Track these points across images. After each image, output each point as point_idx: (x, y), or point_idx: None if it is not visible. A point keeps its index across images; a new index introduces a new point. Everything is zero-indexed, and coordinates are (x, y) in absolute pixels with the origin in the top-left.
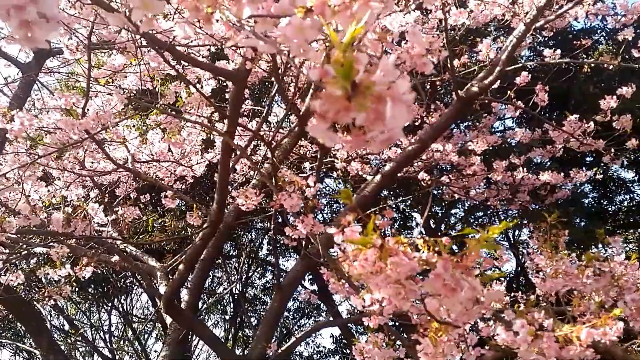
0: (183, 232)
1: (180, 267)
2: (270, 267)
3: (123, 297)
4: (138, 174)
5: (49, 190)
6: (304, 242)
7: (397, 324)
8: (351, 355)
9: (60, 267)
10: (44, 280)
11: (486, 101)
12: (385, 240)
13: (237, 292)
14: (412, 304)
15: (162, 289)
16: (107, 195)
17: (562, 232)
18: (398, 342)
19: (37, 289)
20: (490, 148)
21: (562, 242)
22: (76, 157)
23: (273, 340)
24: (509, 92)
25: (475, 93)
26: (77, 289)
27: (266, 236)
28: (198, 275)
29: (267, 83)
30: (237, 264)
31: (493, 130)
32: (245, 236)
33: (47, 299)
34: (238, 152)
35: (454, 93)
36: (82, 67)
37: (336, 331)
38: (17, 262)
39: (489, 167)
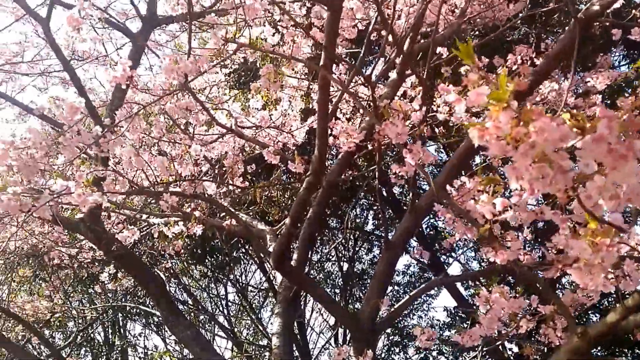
0: (289, 201)
1: (287, 221)
2: (377, 243)
3: (238, 272)
4: (242, 135)
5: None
6: (411, 195)
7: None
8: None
9: (174, 225)
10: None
11: (607, 23)
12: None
13: (345, 268)
14: (563, 193)
15: (271, 250)
16: (216, 168)
17: None
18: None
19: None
20: (614, 86)
21: None
22: (185, 132)
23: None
24: (634, 11)
25: (596, 12)
26: (194, 263)
27: (371, 211)
28: (306, 233)
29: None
30: (343, 240)
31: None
32: (350, 212)
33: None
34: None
35: (571, 13)
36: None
37: (451, 302)
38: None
39: (613, 107)
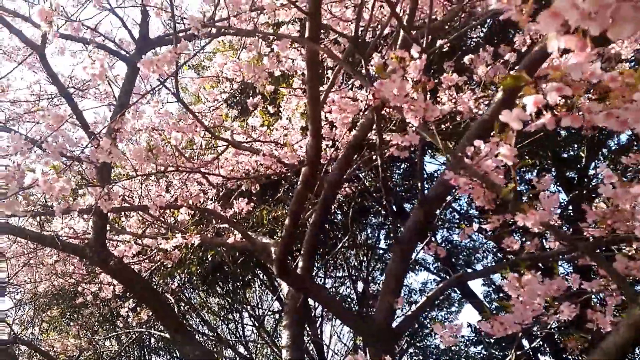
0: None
1: (286, 221)
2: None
3: (252, 297)
4: (239, 146)
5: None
6: (418, 185)
7: None
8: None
9: (172, 237)
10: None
11: None
12: None
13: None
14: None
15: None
16: (221, 190)
17: None
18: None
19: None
20: None
21: None
22: (189, 158)
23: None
24: None
25: None
26: (207, 289)
27: (382, 230)
28: (309, 239)
29: None
30: (355, 263)
31: None
32: (361, 234)
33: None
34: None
35: None
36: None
37: (475, 318)
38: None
39: None
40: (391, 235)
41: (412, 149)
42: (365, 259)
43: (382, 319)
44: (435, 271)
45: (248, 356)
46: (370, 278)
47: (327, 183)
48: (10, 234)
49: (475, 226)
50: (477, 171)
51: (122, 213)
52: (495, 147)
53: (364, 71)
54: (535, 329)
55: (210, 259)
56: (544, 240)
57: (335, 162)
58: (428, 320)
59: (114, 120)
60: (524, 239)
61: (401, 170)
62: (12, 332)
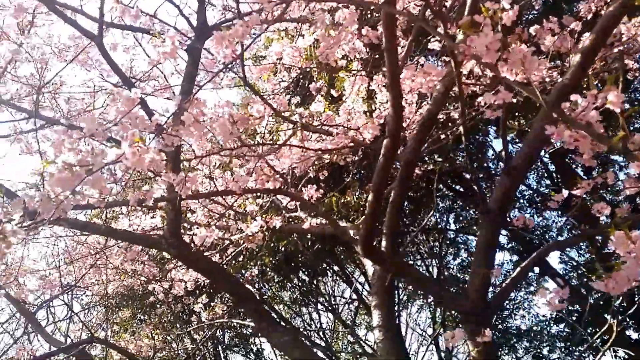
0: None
1: (369, 198)
2: (463, 246)
3: (326, 287)
4: (309, 128)
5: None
6: (503, 148)
7: None
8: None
9: (252, 221)
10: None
11: None
12: None
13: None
14: None
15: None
16: (288, 178)
17: None
18: None
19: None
20: None
21: None
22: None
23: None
24: None
25: None
26: (281, 280)
27: (452, 214)
28: (390, 219)
29: None
30: (427, 248)
31: None
32: (430, 218)
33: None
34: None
35: None
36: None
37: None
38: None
39: None
40: (460, 218)
41: (480, 124)
42: (437, 243)
43: (476, 294)
44: (510, 251)
45: (325, 345)
46: (443, 263)
47: (403, 162)
48: (83, 230)
49: (564, 192)
50: (580, 123)
51: (188, 209)
52: (593, 99)
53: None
54: None
55: (283, 250)
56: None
57: (409, 140)
58: (506, 303)
59: (184, 100)
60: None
61: (464, 153)
62: (89, 333)
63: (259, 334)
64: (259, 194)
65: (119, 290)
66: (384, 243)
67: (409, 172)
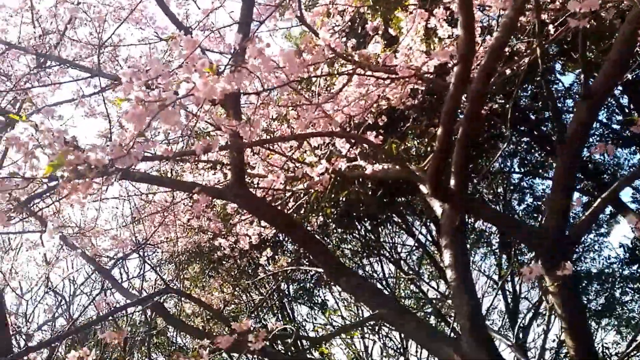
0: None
1: (439, 132)
2: (528, 191)
3: (387, 237)
4: (368, 66)
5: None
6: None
7: None
8: None
9: (317, 164)
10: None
11: None
12: None
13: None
14: None
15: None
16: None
17: None
18: None
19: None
20: None
21: None
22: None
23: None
24: None
25: None
26: (344, 232)
27: (515, 158)
28: (458, 157)
29: None
30: (491, 194)
31: None
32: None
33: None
34: None
35: None
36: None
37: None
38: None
39: None
40: (525, 161)
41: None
42: (501, 189)
43: (555, 226)
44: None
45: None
46: (509, 208)
47: (471, 94)
48: (150, 183)
49: None
50: None
51: (247, 164)
52: None
53: None
54: None
55: (344, 200)
56: None
57: (478, 71)
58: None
59: (245, 40)
60: None
61: (528, 92)
62: (163, 283)
63: (328, 279)
64: (318, 142)
65: (188, 247)
66: (452, 182)
67: (478, 106)
